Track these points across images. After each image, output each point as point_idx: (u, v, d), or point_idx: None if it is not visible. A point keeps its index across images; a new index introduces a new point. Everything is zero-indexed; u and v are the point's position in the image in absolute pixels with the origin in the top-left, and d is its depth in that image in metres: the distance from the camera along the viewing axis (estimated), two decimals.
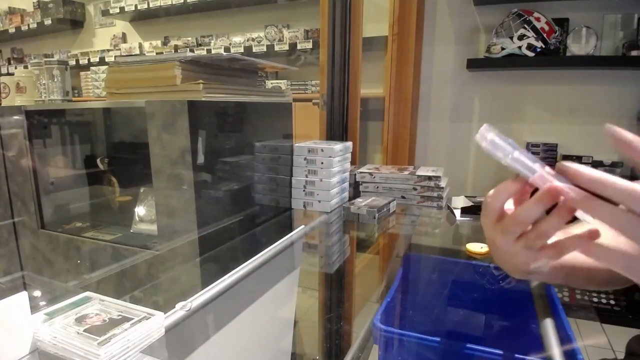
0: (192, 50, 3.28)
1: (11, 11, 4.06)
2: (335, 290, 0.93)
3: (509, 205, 0.44)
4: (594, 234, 0.39)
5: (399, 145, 2.28)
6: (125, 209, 1.38)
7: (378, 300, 0.74)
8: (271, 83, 2.92)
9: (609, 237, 0.45)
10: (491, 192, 0.43)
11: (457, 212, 1.21)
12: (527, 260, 0.44)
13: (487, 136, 0.40)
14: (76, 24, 3.91)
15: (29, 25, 3.89)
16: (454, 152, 2.54)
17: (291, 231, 0.87)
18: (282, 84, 2.91)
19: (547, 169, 0.39)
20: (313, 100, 2.00)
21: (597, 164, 2.16)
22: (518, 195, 0.43)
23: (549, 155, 2.22)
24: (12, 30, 3.98)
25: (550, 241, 0.42)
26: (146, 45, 3.55)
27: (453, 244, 1.12)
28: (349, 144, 1.26)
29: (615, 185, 0.35)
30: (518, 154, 0.40)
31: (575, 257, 0.51)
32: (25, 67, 3.83)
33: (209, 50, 3.20)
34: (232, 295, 0.63)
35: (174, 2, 3.13)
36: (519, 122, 2.38)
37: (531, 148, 2.25)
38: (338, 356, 0.64)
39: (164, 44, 3.50)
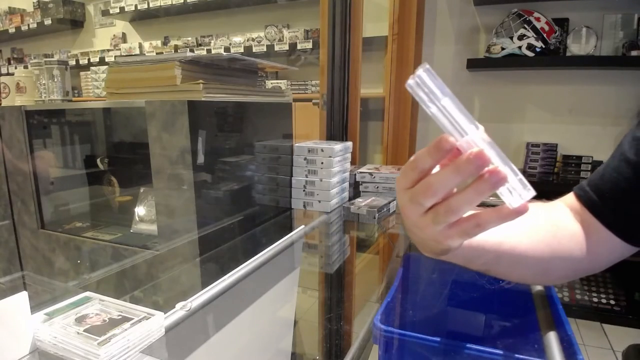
0: (192, 50, 3.28)
1: (11, 11, 4.06)
2: (335, 290, 0.93)
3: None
4: (522, 210, 0.33)
5: (399, 145, 2.28)
6: (125, 209, 1.38)
7: (378, 300, 0.74)
8: (271, 83, 2.92)
9: None
10: (414, 155, 0.35)
11: None
12: (435, 236, 0.38)
13: (417, 72, 0.31)
14: (76, 24, 3.91)
15: (29, 25, 3.89)
16: None
17: (291, 231, 0.87)
18: (282, 84, 2.91)
19: (483, 132, 0.32)
20: (313, 100, 2.00)
21: (597, 164, 2.16)
22: (445, 162, 0.35)
23: (549, 155, 2.22)
24: (12, 30, 3.98)
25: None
26: (146, 45, 3.55)
27: None
28: (349, 144, 1.26)
29: None
30: (448, 102, 0.31)
31: (501, 242, 0.48)
32: (25, 67, 3.83)
33: (209, 50, 3.20)
34: (232, 295, 0.63)
35: (174, 2, 3.13)
36: (519, 122, 2.38)
37: (531, 148, 2.25)
38: (338, 356, 0.64)
39: (164, 44, 3.50)
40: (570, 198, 0.56)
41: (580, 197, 0.54)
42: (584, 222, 0.52)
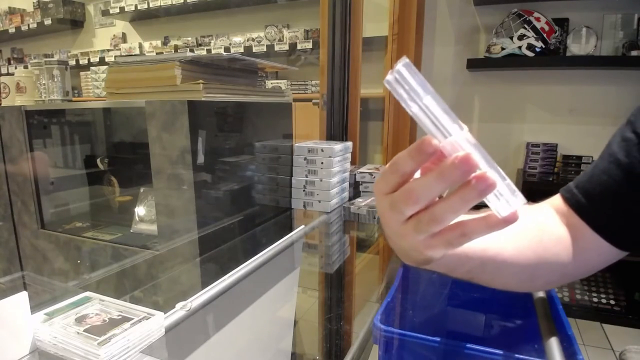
0: (192, 50, 3.28)
1: (11, 11, 4.06)
2: (335, 290, 0.93)
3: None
4: (511, 219, 0.30)
5: (399, 145, 2.28)
6: (125, 209, 1.38)
7: (378, 300, 0.74)
8: (271, 83, 2.92)
9: None
10: (394, 158, 0.32)
11: None
12: (417, 246, 0.35)
13: (395, 67, 0.28)
14: (76, 24, 3.91)
15: (29, 25, 3.89)
16: None
17: (291, 231, 0.87)
18: (282, 84, 2.91)
19: (467, 133, 0.29)
20: (313, 100, 2.00)
21: None
22: (429, 165, 0.31)
23: (549, 155, 2.22)
24: (12, 30, 3.98)
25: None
26: (146, 45, 3.55)
27: None
28: (349, 144, 1.26)
29: None
30: (431, 100, 0.28)
31: (486, 248, 0.45)
32: (25, 67, 3.83)
33: (209, 50, 3.20)
34: (232, 295, 0.63)
35: (174, 2, 3.13)
36: (519, 122, 2.38)
37: (531, 148, 2.25)
38: (338, 356, 0.64)
39: (164, 44, 3.50)
40: (556, 200, 0.53)
41: (568, 200, 0.51)
42: (570, 225, 0.50)
